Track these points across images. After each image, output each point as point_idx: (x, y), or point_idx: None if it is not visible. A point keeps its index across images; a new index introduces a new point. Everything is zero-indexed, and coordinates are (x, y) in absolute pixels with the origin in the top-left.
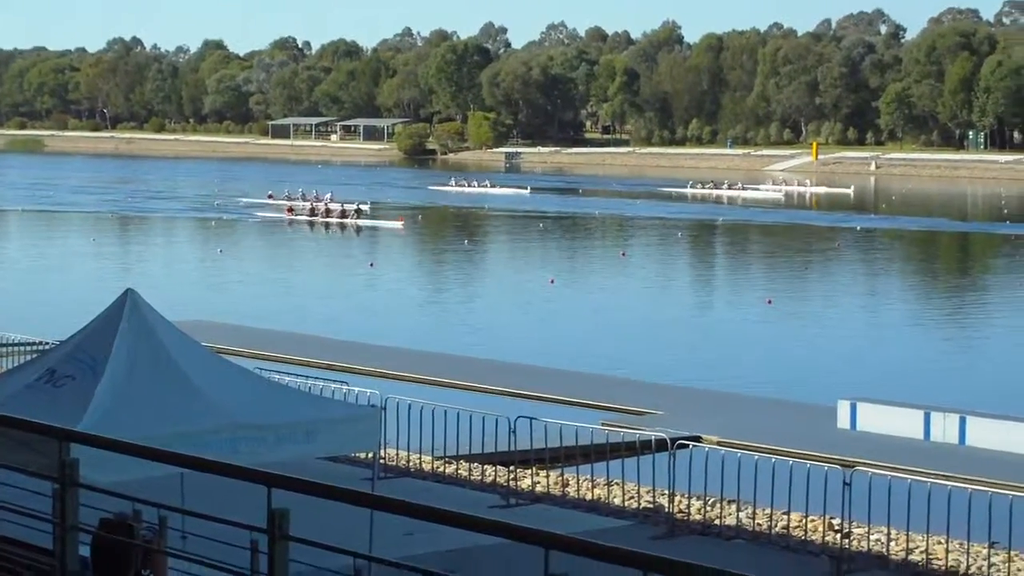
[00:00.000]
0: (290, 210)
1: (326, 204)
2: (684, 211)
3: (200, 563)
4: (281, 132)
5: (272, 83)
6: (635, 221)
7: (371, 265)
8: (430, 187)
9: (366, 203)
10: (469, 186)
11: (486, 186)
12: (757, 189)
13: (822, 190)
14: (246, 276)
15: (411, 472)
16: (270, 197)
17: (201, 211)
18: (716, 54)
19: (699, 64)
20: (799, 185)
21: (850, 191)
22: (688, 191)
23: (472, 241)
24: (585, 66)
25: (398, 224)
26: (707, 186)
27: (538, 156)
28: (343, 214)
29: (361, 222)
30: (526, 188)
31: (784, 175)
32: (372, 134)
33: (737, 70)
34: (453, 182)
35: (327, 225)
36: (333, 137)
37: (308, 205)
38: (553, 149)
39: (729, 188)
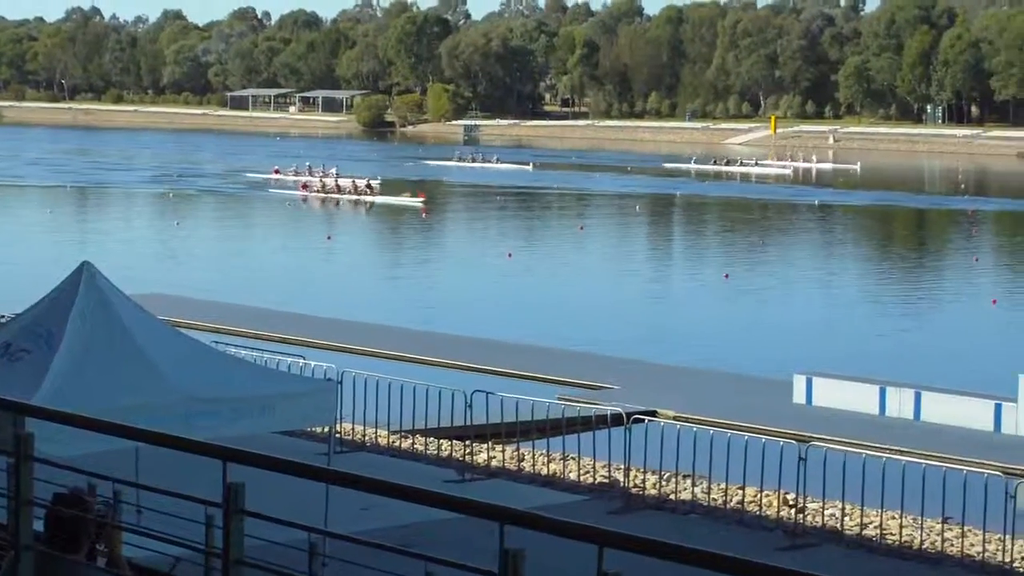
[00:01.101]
0: (304, 186)
1: (336, 180)
2: (678, 187)
3: (155, 537)
4: (240, 103)
5: (231, 54)
6: (633, 198)
7: (328, 238)
8: (429, 163)
9: (376, 179)
10: (473, 161)
11: (491, 161)
12: (765, 165)
13: (828, 166)
14: (243, 252)
15: (367, 447)
16: (276, 172)
17: (180, 183)
18: (676, 27)
19: (658, 37)
20: (804, 161)
21: (856, 167)
22: (692, 167)
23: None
24: (544, 38)
25: (418, 201)
26: (716, 162)
27: (497, 128)
28: (357, 190)
29: (377, 199)
30: (529, 164)
31: (750, 150)
32: (331, 106)
33: (696, 43)
34: (456, 157)
35: (338, 202)
36: (292, 109)
37: (320, 181)
38: (512, 121)
39: (739, 164)
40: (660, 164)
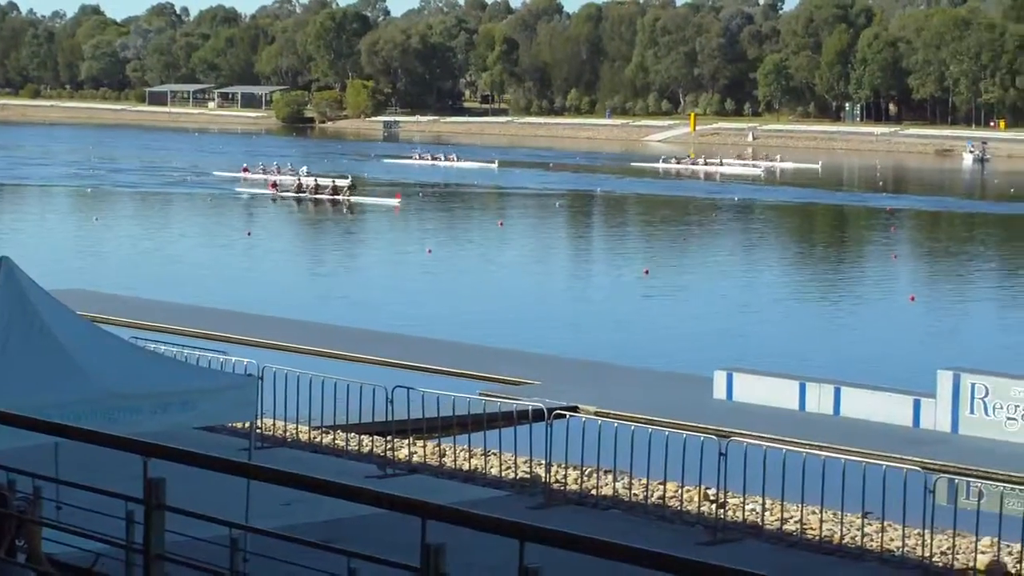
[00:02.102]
0: (274, 185)
1: (316, 180)
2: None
3: (75, 533)
4: (158, 99)
5: (149, 50)
6: (610, 197)
7: (248, 234)
8: (386, 160)
9: (346, 178)
10: (433, 159)
11: (452, 160)
12: (734, 164)
13: (790, 165)
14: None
15: (288, 442)
16: (245, 170)
17: (94, 180)
18: (595, 24)
19: (578, 34)
20: (767, 160)
21: (818, 166)
22: (660, 166)
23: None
24: (464, 35)
25: (394, 201)
26: (681, 161)
27: (417, 125)
28: (334, 191)
29: (354, 199)
30: (494, 162)
31: (669, 147)
32: (250, 102)
33: (616, 40)
34: (416, 155)
35: (316, 202)
36: (211, 104)
37: (296, 181)
38: (432, 118)
39: (705, 164)
40: (627, 163)
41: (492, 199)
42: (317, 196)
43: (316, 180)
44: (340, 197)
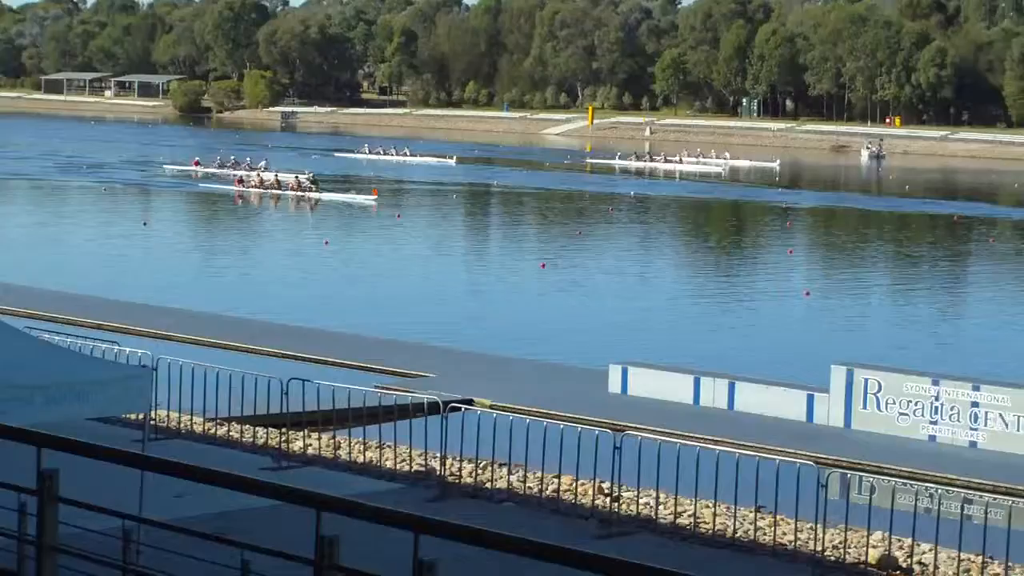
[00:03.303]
0: (240, 181)
1: (276, 175)
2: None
3: None
4: (54, 87)
5: (46, 37)
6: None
7: (144, 224)
8: (336, 154)
9: (307, 173)
10: (385, 154)
11: (405, 154)
12: (696, 163)
13: (745, 163)
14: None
15: (183, 434)
16: (196, 164)
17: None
18: (494, 17)
19: (477, 26)
20: (718, 158)
21: (776, 164)
22: (617, 163)
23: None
24: (363, 26)
25: (371, 199)
26: (639, 158)
27: (315, 116)
28: (300, 186)
29: (324, 196)
30: (451, 158)
31: (567, 141)
32: (147, 91)
33: (515, 33)
34: (367, 149)
35: (278, 198)
36: (107, 93)
37: (257, 176)
38: (330, 109)
39: (665, 161)
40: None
41: (420, 193)
42: (281, 192)
43: (277, 175)
44: (307, 194)
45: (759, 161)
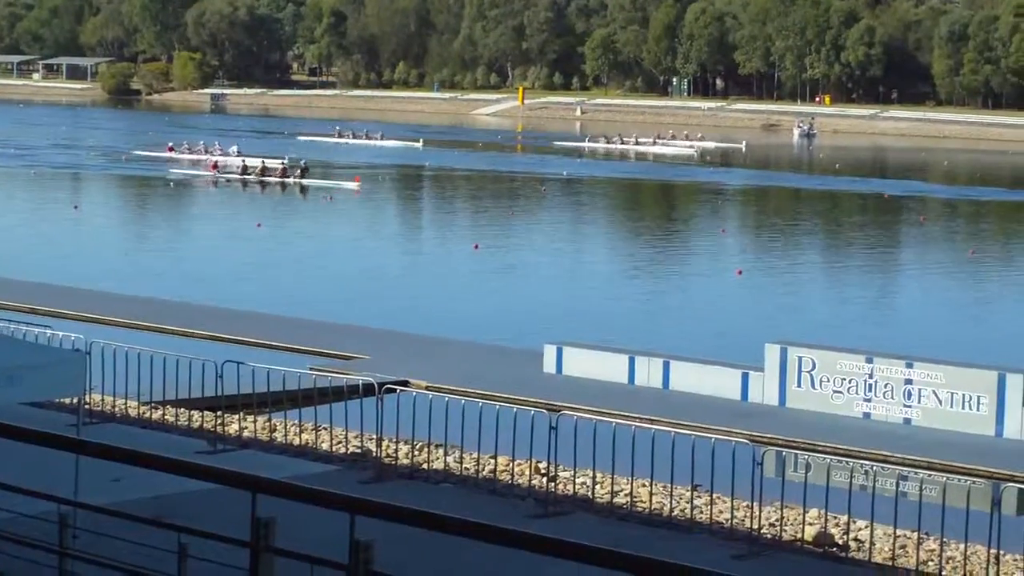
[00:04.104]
0: (215, 166)
1: (263, 161)
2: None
3: None
4: None
5: None
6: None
7: (75, 208)
8: (301, 138)
9: (284, 159)
10: (354, 137)
11: (376, 138)
12: (667, 144)
13: (711, 144)
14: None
15: (117, 418)
16: (170, 150)
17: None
18: None
19: (406, 7)
20: (687, 139)
21: (742, 146)
22: (586, 145)
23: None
24: (292, 7)
25: (353, 184)
26: (609, 140)
27: (244, 97)
28: (284, 173)
29: (307, 182)
30: (418, 141)
31: (497, 121)
32: (75, 73)
33: (444, 13)
34: (337, 132)
35: (263, 184)
36: (35, 76)
37: (241, 163)
38: (259, 90)
39: (636, 143)
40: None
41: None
42: (264, 179)
43: (263, 162)
44: (290, 180)
45: (725, 143)
